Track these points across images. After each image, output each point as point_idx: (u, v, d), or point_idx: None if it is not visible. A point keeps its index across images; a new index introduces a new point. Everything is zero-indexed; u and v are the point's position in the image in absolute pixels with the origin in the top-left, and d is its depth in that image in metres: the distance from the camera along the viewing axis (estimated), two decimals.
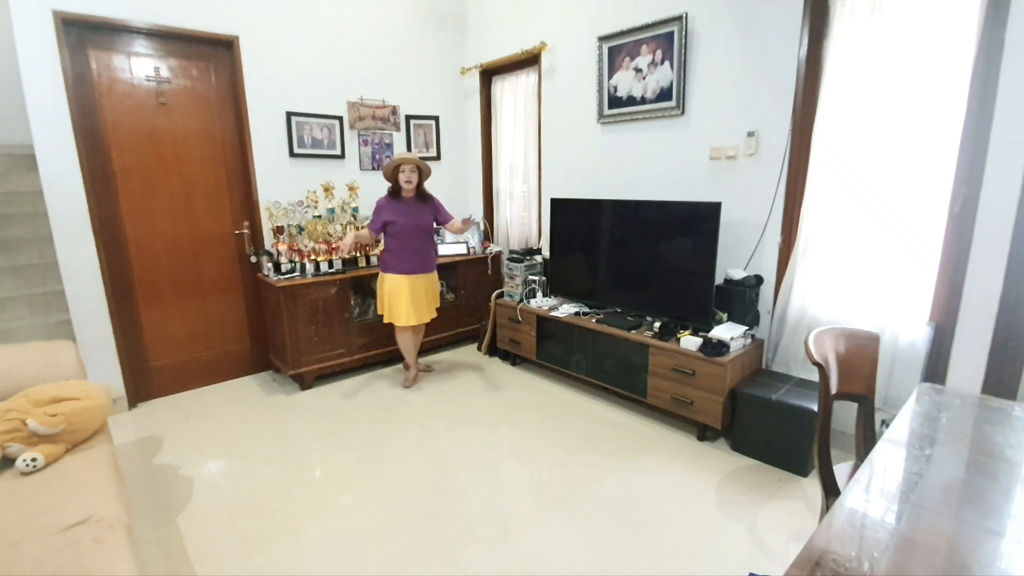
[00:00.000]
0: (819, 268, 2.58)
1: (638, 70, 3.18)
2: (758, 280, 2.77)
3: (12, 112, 3.17)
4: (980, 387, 2.12)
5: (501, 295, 3.97)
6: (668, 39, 2.98)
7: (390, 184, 3.24)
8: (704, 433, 2.72)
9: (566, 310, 3.42)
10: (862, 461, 1.57)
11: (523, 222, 4.40)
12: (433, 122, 4.40)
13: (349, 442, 2.77)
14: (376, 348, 3.71)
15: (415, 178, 3.18)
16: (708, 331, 2.70)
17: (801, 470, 2.38)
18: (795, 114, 2.55)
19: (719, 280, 2.83)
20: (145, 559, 1.90)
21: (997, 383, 2.08)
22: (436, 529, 2.07)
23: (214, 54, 3.31)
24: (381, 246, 3.37)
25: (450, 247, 4.13)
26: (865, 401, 1.63)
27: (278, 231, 3.48)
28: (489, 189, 4.61)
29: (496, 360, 4.00)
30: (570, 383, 3.50)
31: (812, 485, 2.31)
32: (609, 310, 3.32)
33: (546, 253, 3.79)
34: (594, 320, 3.19)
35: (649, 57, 3.10)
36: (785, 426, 2.40)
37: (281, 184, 3.58)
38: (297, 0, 3.53)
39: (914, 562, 0.92)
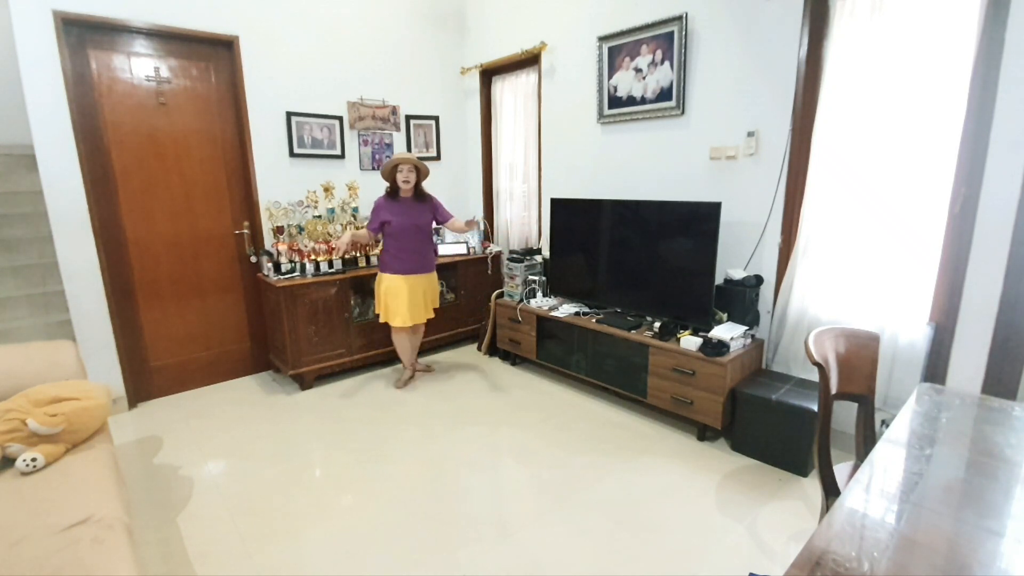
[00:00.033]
0: (819, 268, 2.58)
1: (638, 70, 3.17)
2: (758, 280, 2.77)
3: (12, 112, 3.16)
4: (980, 387, 2.12)
5: (501, 295, 3.96)
6: (668, 39, 2.98)
7: (388, 184, 3.24)
8: (704, 433, 2.72)
9: (566, 310, 3.42)
10: (862, 461, 1.57)
11: (523, 222, 4.40)
12: (433, 122, 4.40)
13: (349, 442, 2.77)
14: (376, 348, 3.71)
15: (413, 178, 3.18)
16: (708, 331, 2.70)
17: (801, 470, 2.38)
18: (795, 114, 2.55)
19: (719, 280, 2.83)
20: (145, 559, 1.90)
21: (997, 383, 2.08)
22: (436, 529, 2.07)
23: (214, 54, 3.31)
24: (380, 246, 3.37)
25: (450, 247, 4.13)
26: (865, 401, 1.63)
27: (278, 231, 3.49)
28: (489, 189, 4.61)
29: (496, 360, 4.00)
30: (570, 383, 3.50)
31: (812, 485, 2.31)
32: (609, 310, 3.32)
33: (546, 253, 3.79)
34: (594, 320, 3.18)
35: (649, 57, 3.10)
36: (785, 426, 2.40)
37: (281, 184, 3.58)
38: (297, 0, 3.53)
39: (914, 562, 0.92)
